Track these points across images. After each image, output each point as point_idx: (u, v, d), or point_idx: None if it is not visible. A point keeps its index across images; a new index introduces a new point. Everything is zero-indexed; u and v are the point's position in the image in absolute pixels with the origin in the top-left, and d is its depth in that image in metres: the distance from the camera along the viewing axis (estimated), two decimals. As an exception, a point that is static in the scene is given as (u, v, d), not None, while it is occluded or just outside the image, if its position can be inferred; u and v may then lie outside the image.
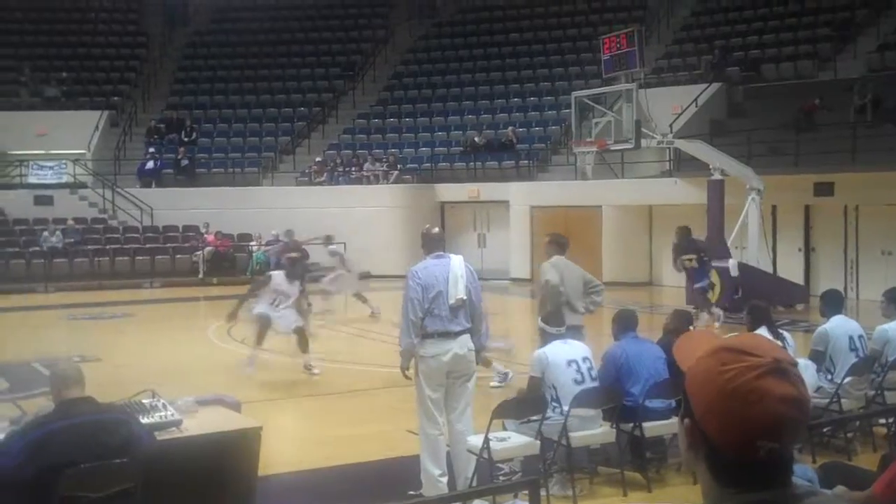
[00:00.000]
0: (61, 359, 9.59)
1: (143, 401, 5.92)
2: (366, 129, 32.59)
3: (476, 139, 29.65)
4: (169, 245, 27.60)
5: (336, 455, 8.66)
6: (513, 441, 7.26)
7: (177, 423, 5.86)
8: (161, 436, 5.61)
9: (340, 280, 19.22)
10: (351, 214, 27.27)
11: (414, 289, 7.25)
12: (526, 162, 28.38)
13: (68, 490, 4.85)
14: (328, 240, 20.87)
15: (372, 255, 23.72)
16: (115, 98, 33.73)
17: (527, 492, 5.56)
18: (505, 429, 7.42)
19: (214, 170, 31.23)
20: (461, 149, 30.04)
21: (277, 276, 13.01)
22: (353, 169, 29.87)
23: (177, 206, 28.60)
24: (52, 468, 4.81)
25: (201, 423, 6.07)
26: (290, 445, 9.13)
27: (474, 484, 6.93)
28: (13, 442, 5.01)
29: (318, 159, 30.24)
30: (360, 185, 29.05)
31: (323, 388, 12.12)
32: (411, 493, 7.22)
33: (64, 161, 30.14)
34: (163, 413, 5.84)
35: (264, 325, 12.39)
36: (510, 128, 29.67)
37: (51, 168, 30.13)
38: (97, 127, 31.63)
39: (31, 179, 29.69)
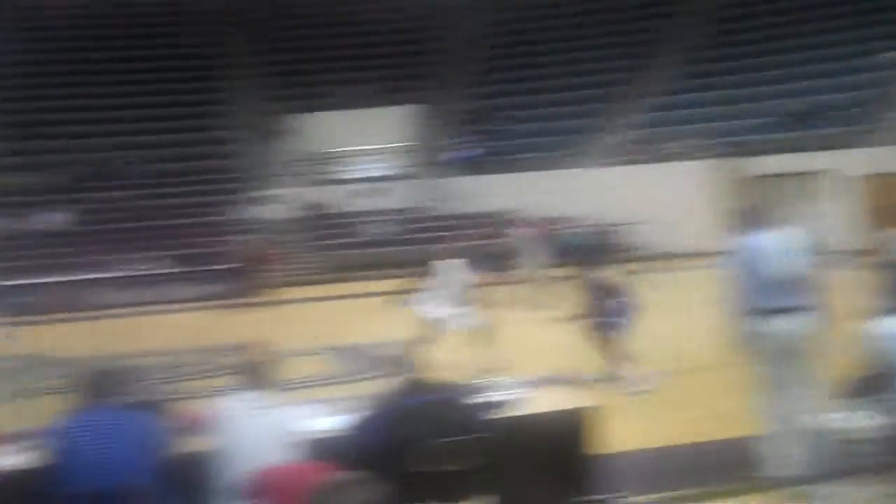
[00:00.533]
0: (398, 343, 10.02)
1: (487, 379, 6.07)
2: (674, 104, 31.89)
3: (793, 108, 28.27)
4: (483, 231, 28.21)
5: (675, 434, 8.53)
6: (865, 421, 6.79)
7: (518, 402, 5.96)
8: (503, 414, 5.72)
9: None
10: (661, 192, 26.80)
11: (743, 264, 6.98)
12: (843, 129, 26.72)
13: (416, 465, 5.06)
14: None
15: (682, 232, 23.19)
16: (430, 91, 34.95)
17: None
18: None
19: (526, 154, 31.68)
20: (773, 119, 28.74)
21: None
22: (663, 145, 29.34)
23: (492, 192, 29.28)
24: (402, 442, 5.06)
25: (542, 402, 6.14)
26: (628, 425, 9.05)
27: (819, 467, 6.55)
28: (368, 417, 5.41)
29: (625, 137, 29.95)
30: (670, 163, 28.50)
31: (658, 366, 11.91)
32: (755, 474, 6.95)
33: (385, 154, 31.72)
34: (505, 391, 5.95)
35: None
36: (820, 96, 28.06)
37: (373, 162, 31.77)
38: (414, 119, 32.99)
39: (356, 174, 31.43)
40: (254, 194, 30.46)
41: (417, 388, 5.43)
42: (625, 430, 8.41)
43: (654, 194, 26.62)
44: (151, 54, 36.25)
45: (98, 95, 34.57)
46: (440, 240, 27.40)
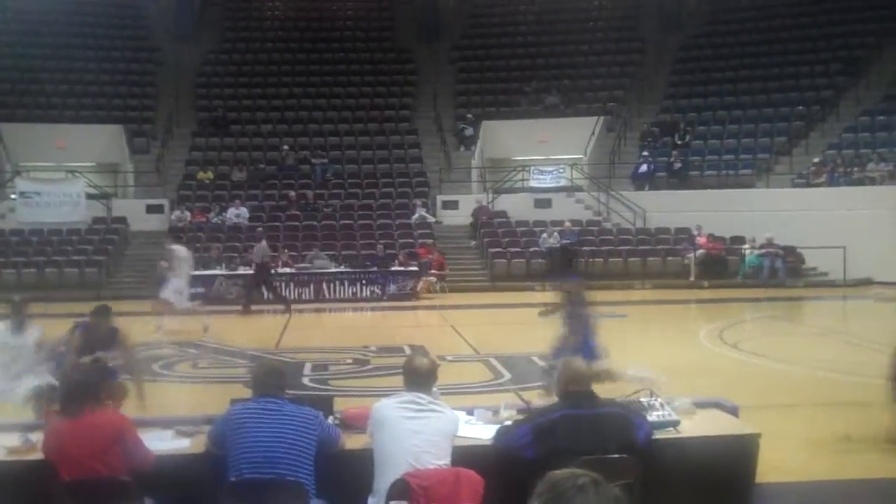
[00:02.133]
0: (565, 355, 9.93)
1: (642, 399, 5.96)
2: (870, 126, 30.55)
3: None
4: (661, 247, 27.83)
5: (838, 468, 8.15)
6: None
7: (674, 424, 5.83)
8: (658, 434, 5.61)
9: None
10: (853, 217, 25.72)
11: None
12: None
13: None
14: None
15: (876, 260, 22.15)
16: (611, 104, 34.71)
17: None
18: None
19: (707, 172, 31.02)
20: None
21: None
22: (856, 169, 28.16)
23: (669, 208, 28.81)
24: (553, 453, 5.01)
25: (698, 426, 5.97)
26: (788, 454, 8.72)
27: None
28: (521, 425, 5.42)
29: (816, 160, 28.91)
30: (864, 186, 27.32)
31: (822, 396, 11.46)
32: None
33: (562, 166, 31.67)
34: (660, 412, 5.83)
35: None
36: None
37: (550, 172, 31.73)
38: (593, 132, 32.82)
39: (533, 183, 31.45)
40: (433, 199, 30.91)
41: (577, 400, 5.38)
42: (785, 460, 8.10)
43: (845, 218, 25.61)
44: (344, 58, 37.35)
45: (289, 96, 35.88)
46: (613, 254, 27.38)
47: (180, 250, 18.85)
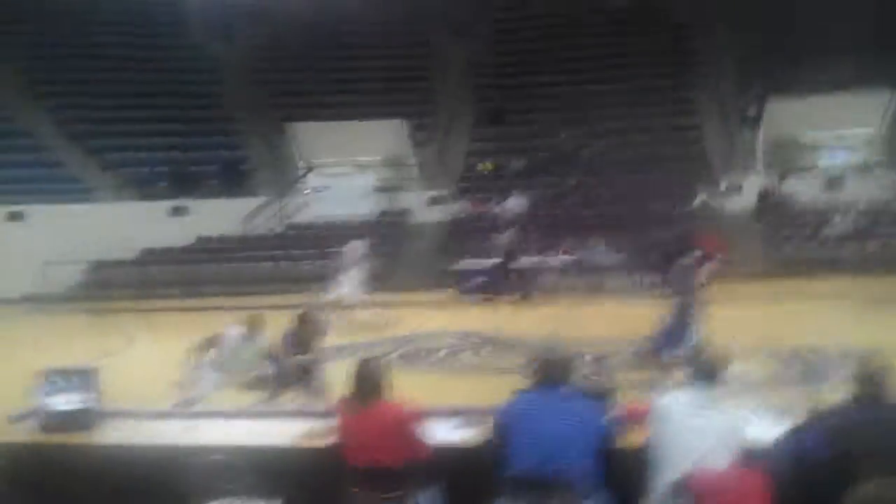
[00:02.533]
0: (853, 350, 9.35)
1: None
2: None
3: None
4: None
5: None
6: None
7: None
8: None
9: None
10: None
11: None
12: None
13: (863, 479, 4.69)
14: None
15: None
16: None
17: None
18: None
19: None
20: None
21: None
22: None
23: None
24: (848, 455, 4.70)
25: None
26: None
27: None
28: (813, 424, 5.08)
29: None
30: None
31: None
32: None
33: (856, 143, 29.83)
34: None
35: None
36: None
37: (842, 151, 30.00)
38: (888, 106, 30.70)
39: (823, 163, 29.86)
40: (715, 183, 29.99)
41: (873, 401, 5.01)
42: None
43: None
44: (620, 40, 36.79)
45: (567, 83, 35.78)
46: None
47: (356, 245, 19.63)
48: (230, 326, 10.46)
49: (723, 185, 29.68)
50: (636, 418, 5.80)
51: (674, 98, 34.62)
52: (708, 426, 5.13)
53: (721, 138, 32.04)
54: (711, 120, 33.30)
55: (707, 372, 5.40)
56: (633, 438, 5.59)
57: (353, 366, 5.85)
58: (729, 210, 28.89)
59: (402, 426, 5.50)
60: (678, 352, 11.72)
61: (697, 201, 28.73)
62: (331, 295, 18.43)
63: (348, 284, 18.55)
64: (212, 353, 10.27)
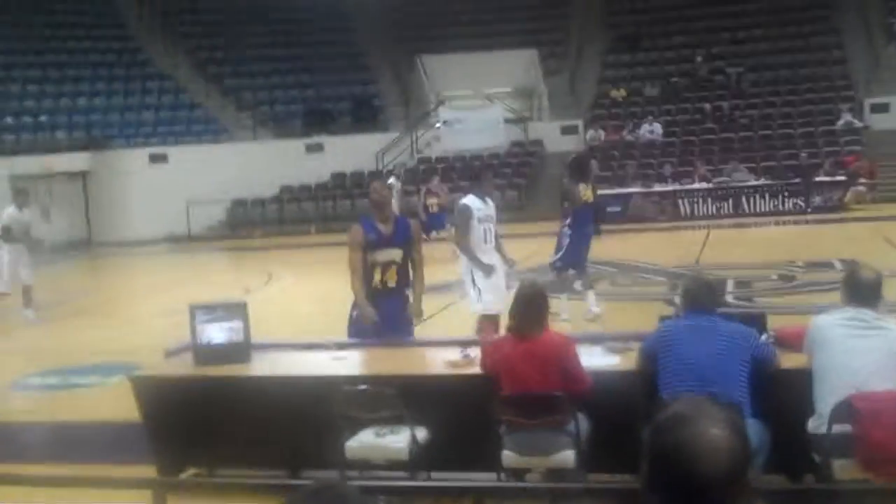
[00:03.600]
0: None
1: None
2: None
3: None
4: None
5: None
6: None
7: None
8: None
9: None
10: None
11: None
12: None
13: None
14: None
15: None
16: None
17: None
18: None
19: None
20: None
21: None
22: None
23: None
24: None
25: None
26: None
27: None
28: None
29: None
30: None
31: None
32: None
33: None
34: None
35: None
36: None
37: None
38: None
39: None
40: (860, 102, 28.74)
41: None
42: None
43: None
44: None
45: (701, 4, 34.58)
46: None
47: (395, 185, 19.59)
48: None
49: (871, 104, 28.42)
50: (790, 341, 5.60)
51: (815, 17, 33.15)
52: (870, 346, 4.91)
53: (866, 57, 30.59)
54: (854, 36, 31.80)
55: (867, 289, 5.15)
56: (790, 362, 5.41)
57: (515, 291, 5.79)
58: (876, 130, 27.70)
59: (563, 356, 5.44)
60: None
61: (842, 122, 27.64)
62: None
63: None
64: None
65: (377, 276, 7.26)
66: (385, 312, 7.19)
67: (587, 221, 11.56)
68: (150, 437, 6.50)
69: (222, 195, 28.45)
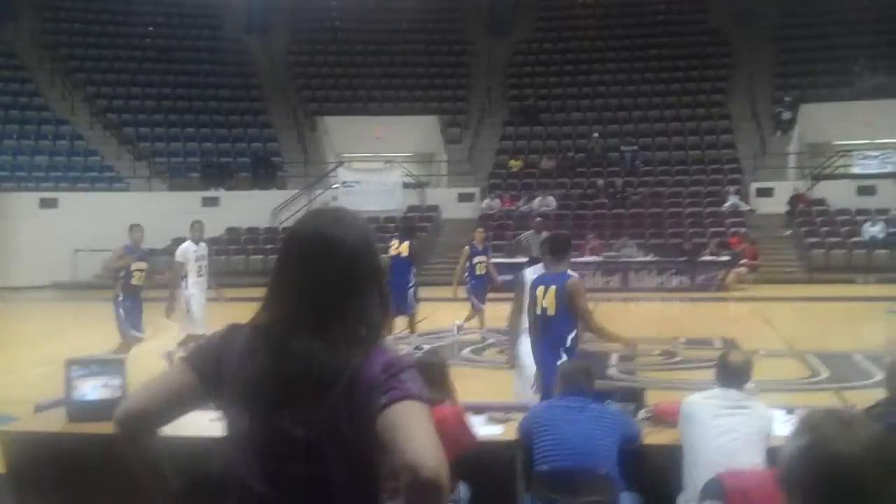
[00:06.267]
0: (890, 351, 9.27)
1: None
2: None
3: None
4: None
5: None
6: None
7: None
8: None
9: None
10: None
11: None
12: None
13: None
14: None
15: None
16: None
17: None
18: None
19: None
20: None
21: None
22: None
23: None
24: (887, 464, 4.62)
25: None
26: None
27: None
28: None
29: None
30: None
31: None
32: None
33: (889, 150, 29.51)
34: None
35: None
36: None
37: (876, 157, 29.68)
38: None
39: (856, 169, 29.58)
40: (747, 186, 29.80)
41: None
42: None
43: None
44: (656, 42, 36.52)
45: (599, 83, 35.69)
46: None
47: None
48: None
49: (757, 188, 29.50)
50: (667, 417, 5.76)
51: (707, 102, 34.44)
52: (736, 426, 5.09)
53: (753, 143, 31.83)
54: (743, 123, 33.11)
55: (734, 371, 5.36)
56: (664, 437, 5.56)
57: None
58: (760, 214, 28.74)
59: (451, 422, 5.44)
60: None
61: (728, 204, 28.59)
62: None
63: None
64: None
65: None
66: None
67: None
68: (17, 495, 6.29)
69: (112, 244, 27.74)
